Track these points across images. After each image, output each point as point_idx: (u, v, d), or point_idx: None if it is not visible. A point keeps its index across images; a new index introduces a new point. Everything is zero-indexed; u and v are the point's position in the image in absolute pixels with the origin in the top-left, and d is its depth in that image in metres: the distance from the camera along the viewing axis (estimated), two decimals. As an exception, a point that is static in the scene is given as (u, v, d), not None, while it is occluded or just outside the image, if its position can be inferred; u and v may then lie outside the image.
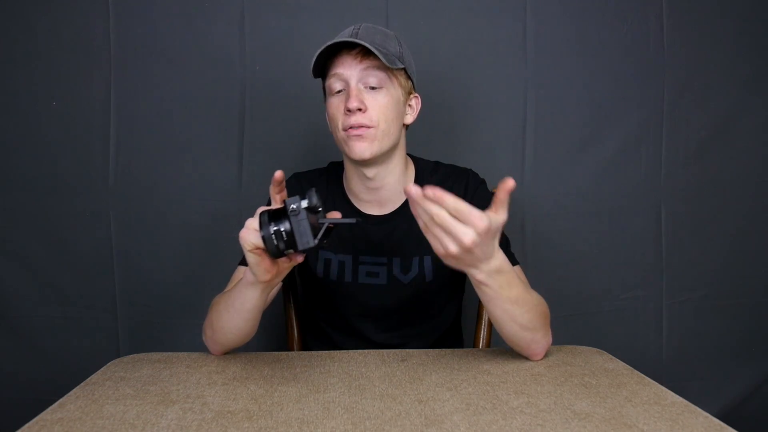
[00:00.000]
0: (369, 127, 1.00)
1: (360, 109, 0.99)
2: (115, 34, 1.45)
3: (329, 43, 0.99)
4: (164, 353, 0.99)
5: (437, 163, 1.16)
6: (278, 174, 0.79)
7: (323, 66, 1.03)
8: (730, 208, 1.53)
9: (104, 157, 1.46)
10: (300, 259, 0.79)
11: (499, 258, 0.79)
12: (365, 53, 0.98)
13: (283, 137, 1.47)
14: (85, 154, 1.46)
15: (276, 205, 0.82)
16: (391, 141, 1.03)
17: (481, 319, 1.23)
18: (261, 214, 0.76)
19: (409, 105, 1.09)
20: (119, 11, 1.45)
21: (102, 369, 0.92)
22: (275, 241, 0.73)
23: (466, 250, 0.73)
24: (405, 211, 1.10)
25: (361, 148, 1.00)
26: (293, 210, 0.72)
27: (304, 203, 0.72)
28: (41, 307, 1.47)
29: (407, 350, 1.00)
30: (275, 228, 0.73)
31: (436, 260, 1.07)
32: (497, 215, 0.75)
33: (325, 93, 1.07)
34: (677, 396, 0.78)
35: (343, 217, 0.80)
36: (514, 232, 1.44)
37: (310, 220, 0.73)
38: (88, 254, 1.47)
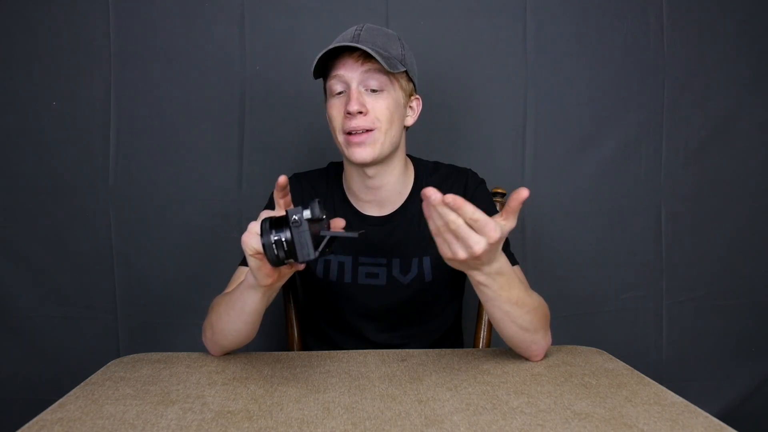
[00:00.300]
0: (370, 131, 1.00)
1: (361, 112, 0.99)
2: (115, 34, 1.45)
3: (331, 46, 0.98)
4: (164, 353, 0.99)
5: (436, 163, 1.16)
6: (282, 179, 0.78)
7: (324, 66, 1.03)
8: (730, 208, 1.53)
9: (104, 157, 1.46)
10: (301, 267, 0.79)
11: (501, 260, 0.80)
12: (367, 56, 0.98)
13: (283, 137, 1.47)
14: (85, 154, 1.46)
15: (279, 209, 0.82)
16: (392, 143, 1.03)
17: (481, 319, 1.23)
18: (263, 221, 0.75)
19: (410, 107, 1.08)
20: (119, 11, 1.45)
21: (102, 369, 0.92)
22: (275, 250, 0.72)
23: (475, 257, 0.73)
24: (404, 212, 1.10)
25: (363, 154, 1.00)
26: (295, 221, 0.71)
27: (307, 213, 0.71)
28: (41, 307, 1.47)
29: (407, 350, 1.00)
30: (276, 237, 0.72)
31: (436, 261, 1.07)
32: (507, 223, 0.76)
33: (326, 94, 1.07)
34: (677, 396, 0.78)
35: (345, 223, 0.79)
36: (514, 231, 1.43)
37: (312, 230, 0.72)
38: (88, 254, 1.47)
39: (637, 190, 1.51)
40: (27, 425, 0.70)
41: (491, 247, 0.73)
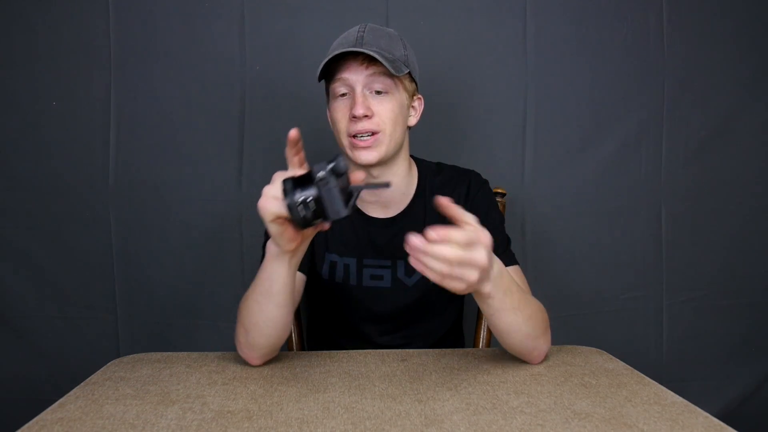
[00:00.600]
0: (375, 133, 0.99)
1: (366, 116, 0.98)
2: (115, 34, 1.45)
3: (336, 51, 0.98)
4: (164, 353, 0.99)
5: (439, 164, 1.16)
6: (293, 133, 0.75)
7: (327, 68, 1.02)
8: (730, 208, 1.53)
9: (104, 157, 1.46)
10: (327, 226, 0.75)
11: (497, 261, 0.79)
12: (371, 59, 0.98)
13: (283, 137, 1.44)
14: (85, 154, 1.46)
15: (293, 168, 0.78)
16: (397, 144, 1.03)
17: (481, 319, 1.23)
18: (285, 181, 0.71)
19: (413, 107, 1.08)
20: (119, 11, 1.44)
21: (102, 369, 0.92)
22: (302, 211, 0.68)
23: (484, 269, 0.72)
24: (409, 213, 1.10)
25: (368, 156, 1.00)
26: (322, 178, 0.66)
27: (330, 168, 0.66)
28: (41, 307, 1.47)
29: (407, 350, 1.00)
30: (302, 196, 0.68)
31: None
32: (469, 227, 0.72)
33: (328, 95, 1.06)
34: (677, 396, 0.78)
35: (365, 175, 0.76)
36: (515, 232, 1.44)
37: (339, 186, 0.67)
38: (88, 254, 1.47)
39: (637, 190, 1.51)
40: (27, 425, 0.70)
41: (488, 251, 0.72)
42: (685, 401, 0.76)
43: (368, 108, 0.98)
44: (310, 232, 0.79)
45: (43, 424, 0.71)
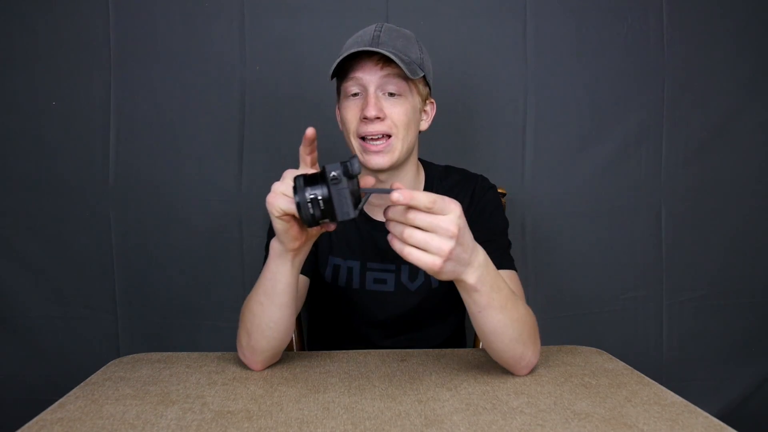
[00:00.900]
0: (387, 136, 0.97)
1: (378, 117, 0.96)
2: (115, 34, 1.45)
3: (352, 50, 0.95)
4: (164, 353, 0.99)
5: (447, 167, 1.14)
6: (310, 131, 0.74)
7: (340, 66, 0.98)
8: (730, 208, 1.53)
9: (104, 157, 1.46)
10: (333, 227, 0.74)
11: (482, 251, 0.76)
12: (386, 59, 0.95)
13: (283, 137, 1.47)
14: (85, 154, 1.46)
15: (304, 166, 0.78)
16: (408, 149, 1.01)
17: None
18: (296, 178, 0.70)
19: (425, 111, 1.06)
20: (119, 11, 1.45)
21: (102, 369, 0.92)
22: (311, 209, 0.67)
23: (454, 236, 0.68)
24: None
25: (380, 161, 0.98)
26: (334, 178, 0.66)
27: (343, 168, 0.66)
28: (41, 307, 1.47)
29: (407, 350, 1.00)
30: (312, 194, 0.67)
31: None
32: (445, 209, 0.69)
33: (339, 94, 1.04)
34: (677, 396, 0.78)
35: (374, 181, 0.75)
36: (515, 232, 1.44)
37: (350, 188, 0.67)
38: (88, 254, 1.47)
39: (637, 190, 1.51)
40: (27, 425, 0.70)
41: (460, 218, 0.69)
42: (685, 401, 0.76)
43: (380, 110, 0.96)
44: (314, 232, 0.79)
45: (43, 424, 0.70)
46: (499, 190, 1.27)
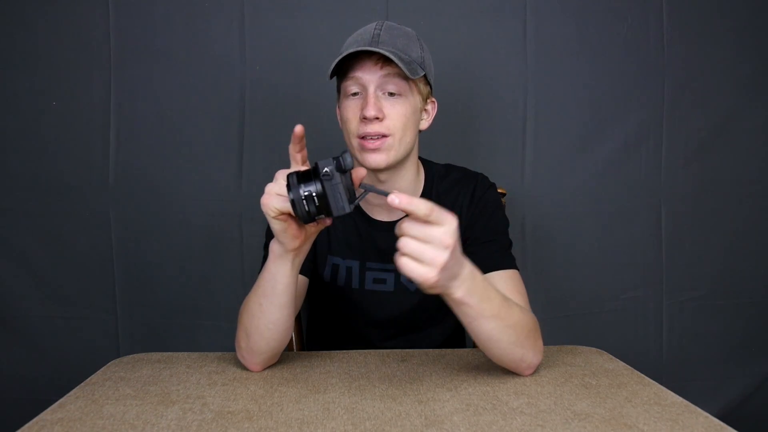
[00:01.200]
0: (386, 136, 0.97)
1: (377, 117, 0.95)
2: (115, 34, 1.45)
3: (351, 49, 0.94)
4: (164, 353, 0.99)
5: (448, 166, 1.13)
6: (298, 129, 0.74)
7: (340, 64, 0.98)
8: (730, 208, 1.53)
9: (104, 157, 1.46)
10: (329, 222, 0.75)
11: (467, 263, 0.75)
12: (387, 59, 0.94)
13: (283, 137, 1.45)
14: (85, 154, 1.46)
15: (295, 165, 0.78)
16: (407, 149, 1.00)
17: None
18: (289, 176, 0.70)
19: (425, 110, 1.05)
20: (119, 11, 1.44)
21: (102, 369, 0.92)
22: (306, 206, 0.68)
23: (448, 246, 0.67)
24: None
25: (377, 160, 0.97)
26: (327, 173, 0.66)
27: (336, 164, 0.66)
28: (41, 307, 1.47)
29: (407, 350, 1.00)
30: (306, 191, 0.68)
31: None
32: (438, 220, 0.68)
33: (339, 93, 1.03)
34: (677, 396, 0.78)
35: (365, 173, 0.76)
36: (515, 231, 1.44)
37: (343, 183, 0.67)
38: (88, 254, 1.47)
39: (637, 190, 1.51)
40: (27, 425, 0.70)
41: (454, 228, 0.68)
42: (685, 401, 0.76)
43: (380, 110, 0.95)
44: (313, 230, 0.79)
45: (43, 424, 0.70)
46: (499, 190, 1.27)
